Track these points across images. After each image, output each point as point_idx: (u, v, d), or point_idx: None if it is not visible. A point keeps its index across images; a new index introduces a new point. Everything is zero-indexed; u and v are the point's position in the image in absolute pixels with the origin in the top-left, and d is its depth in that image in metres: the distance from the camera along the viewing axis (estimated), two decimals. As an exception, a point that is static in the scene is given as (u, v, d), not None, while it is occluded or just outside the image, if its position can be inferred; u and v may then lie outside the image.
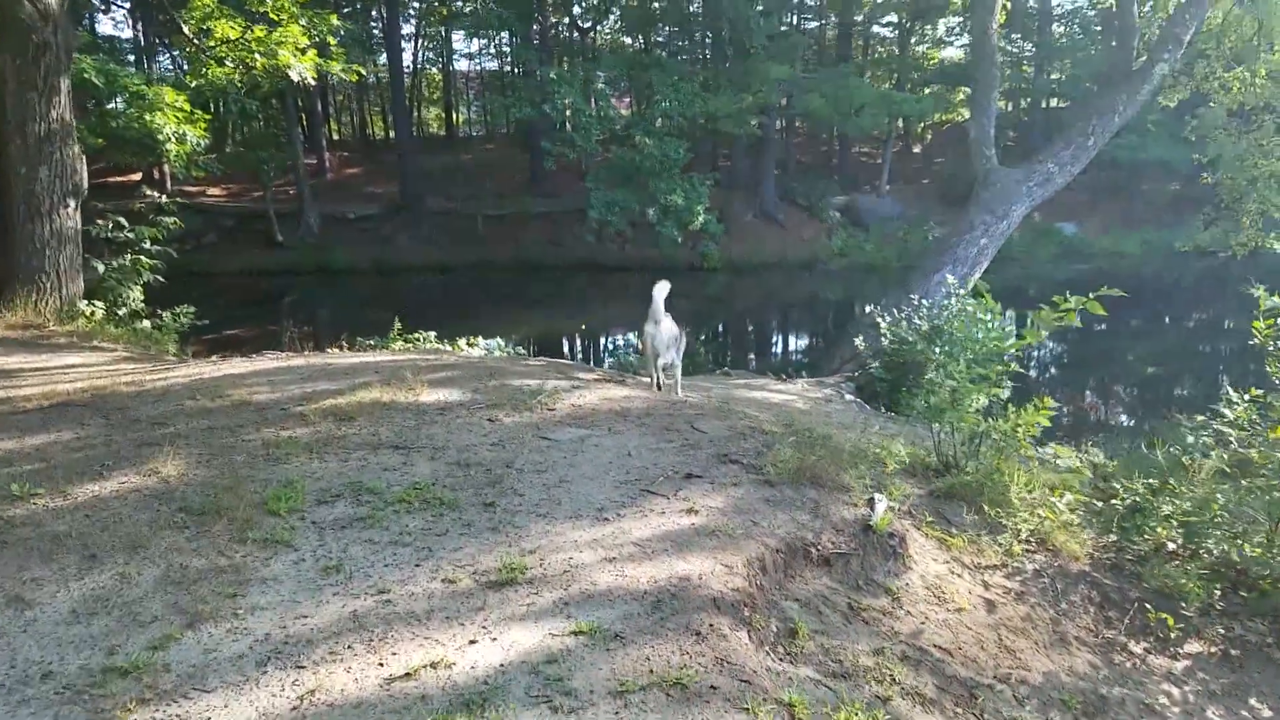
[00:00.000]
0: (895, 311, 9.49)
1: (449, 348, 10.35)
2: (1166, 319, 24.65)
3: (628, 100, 37.39)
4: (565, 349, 21.33)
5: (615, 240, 28.72)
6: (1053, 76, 33.70)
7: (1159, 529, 4.13)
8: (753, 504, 3.88)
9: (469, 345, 11.06)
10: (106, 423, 5.18)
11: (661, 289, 6.20)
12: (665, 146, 25.35)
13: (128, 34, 34.51)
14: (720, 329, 23.36)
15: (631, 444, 4.73)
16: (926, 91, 34.93)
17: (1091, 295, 4.35)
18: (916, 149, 43.67)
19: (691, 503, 3.87)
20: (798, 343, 24.38)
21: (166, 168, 25.76)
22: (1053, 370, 18.64)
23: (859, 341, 10.12)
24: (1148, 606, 3.69)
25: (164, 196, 11.92)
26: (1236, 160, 12.80)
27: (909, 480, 4.48)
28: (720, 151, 35.86)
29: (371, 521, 3.76)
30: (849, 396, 8.40)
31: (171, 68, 30.99)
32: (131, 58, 30.30)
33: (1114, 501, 4.41)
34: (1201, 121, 13.12)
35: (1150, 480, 4.42)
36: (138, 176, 28.03)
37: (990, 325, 4.62)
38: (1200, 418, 4.96)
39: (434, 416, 5.34)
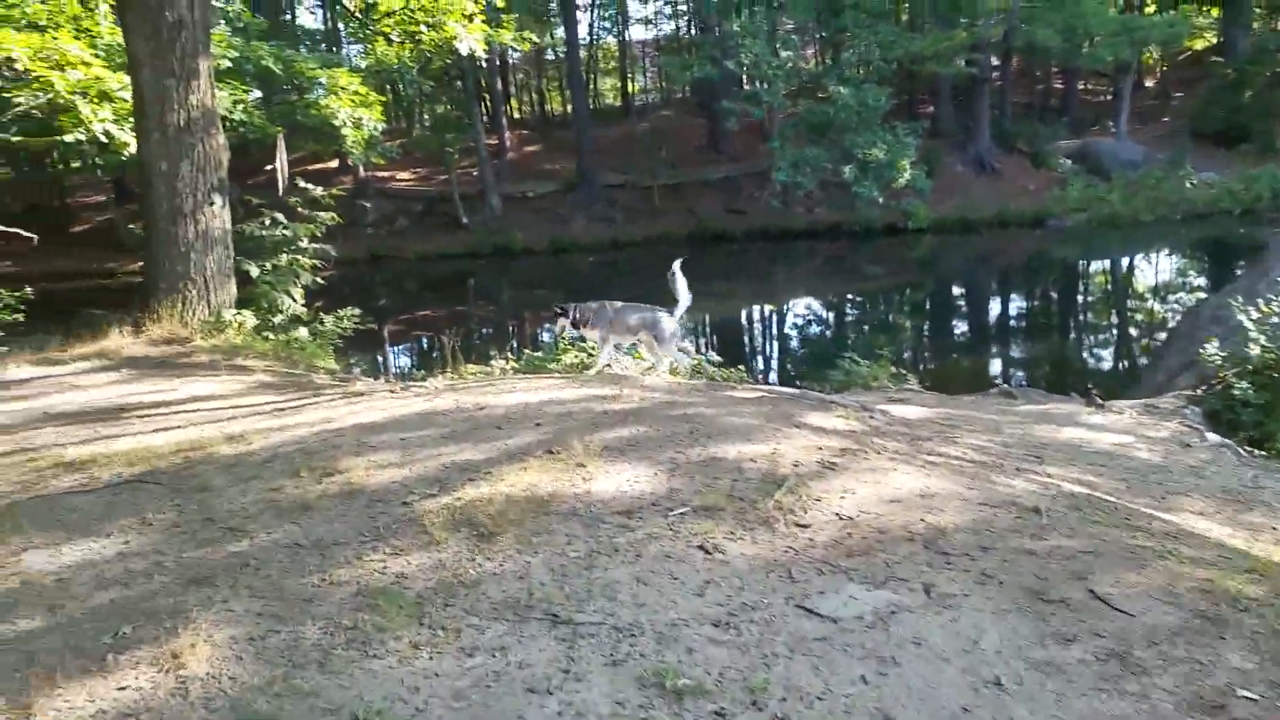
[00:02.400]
0: (1262, 303, 6.52)
1: (629, 361, 8.39)
2: None
3: (812, 50, 34.05)
4: (747, 336, 18.99)
5: (802, 203, 25.97)
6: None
7: None
8: None
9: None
10: (171, 525, 3.67)
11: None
12: (863, 95, 22.29)
13: (313, 23, 35.45)
14: (937, 304, 20.06)
15: (986, 640, 2.49)
16: (1171, 14, 29.26)
17: None
18: (1149, 83, 37.29)
19: None
20: (1055, 323, 18.34)
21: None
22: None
23: (1212, 349, 7.00)
24: None
25: (326, 189, 10.81)
26: None
27: None
28: (920, 97, 31.93)
29: None
30: (1210, 436, 5.66)
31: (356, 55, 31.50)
32: (324, 47, 30.77)
33: None
34: None
35: None
36: (334, 164, 28.57)
37: None
38: None
39: (614, 532, 3.38)
